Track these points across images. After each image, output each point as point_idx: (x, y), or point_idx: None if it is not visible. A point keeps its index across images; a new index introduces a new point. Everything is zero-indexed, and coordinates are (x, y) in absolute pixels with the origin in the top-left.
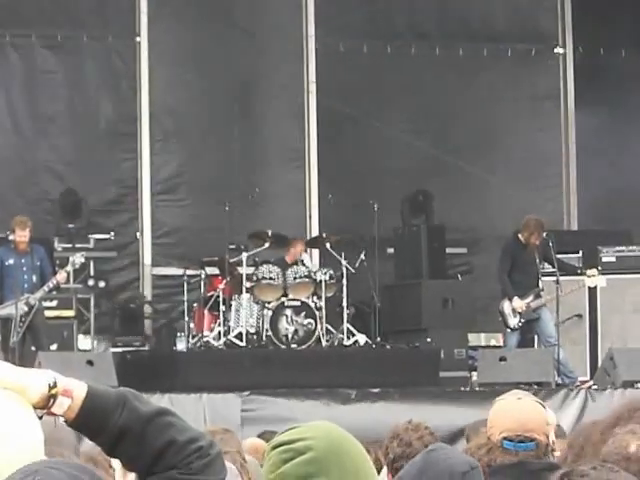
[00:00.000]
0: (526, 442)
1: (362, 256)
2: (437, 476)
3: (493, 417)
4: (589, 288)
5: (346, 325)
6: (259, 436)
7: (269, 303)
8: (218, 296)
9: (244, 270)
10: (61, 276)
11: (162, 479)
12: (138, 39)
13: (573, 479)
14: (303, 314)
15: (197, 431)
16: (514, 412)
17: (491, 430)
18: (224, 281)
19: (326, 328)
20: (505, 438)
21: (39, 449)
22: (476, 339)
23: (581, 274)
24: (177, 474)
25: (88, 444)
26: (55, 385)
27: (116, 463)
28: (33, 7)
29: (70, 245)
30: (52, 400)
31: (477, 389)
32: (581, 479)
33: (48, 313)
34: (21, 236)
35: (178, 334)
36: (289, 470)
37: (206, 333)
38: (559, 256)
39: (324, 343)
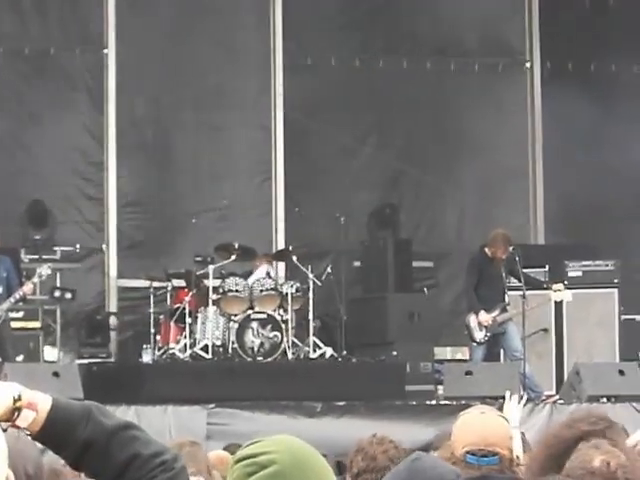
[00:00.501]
0: (489, 456)
1: (328, 269)
2: None
3: (456, 431)
4: (555, 302)
5: (312, 338)
6: (225, 449)
7: (235, 316)
8: (184, 308)
9: (210, 282)
10: (28, 287)
11: None
12: (105, 51)
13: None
14: (269, 327)
15: (161, 445)
16: (477, 426)
17: (454, 444)
18: (190, 293)
19: (292, 341)
20: (468, 452)
21: (2, 461)
22: (442, 353)
23: (547, 288)
24: None
25: (52, 456)
26: (20, 398)
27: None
28: (1, 19)
29: (36, 256)
30: (17, 413)
31: (443, 403)
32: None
33: (14, 324)
34: None
35: (144, 346)
36: None
37: (172, 345)
38: (525, 270)
39: (290, 356)
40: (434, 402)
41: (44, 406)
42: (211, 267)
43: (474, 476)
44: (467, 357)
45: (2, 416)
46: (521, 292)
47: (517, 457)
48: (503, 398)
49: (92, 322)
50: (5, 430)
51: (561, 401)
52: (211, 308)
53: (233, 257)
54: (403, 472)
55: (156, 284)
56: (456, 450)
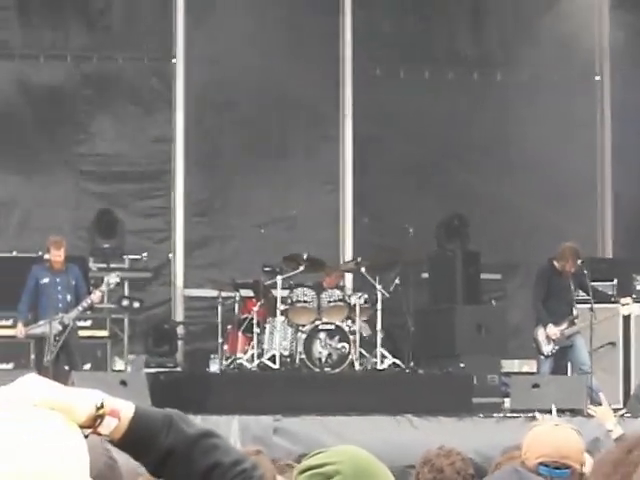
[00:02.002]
0: (561, 469)
1: (396, 280)
2: None
3: (530, 442)
4: (623, 316)
5: (379, 349)
6: (297, 461)
7: (303, 326)
8: (252, 318)
9: (279, 293)
10: (96, 296)
11: None
12: (174, 61)
13: None
14: (337, 338)
15: (241, 453)
16: (551, 438)
17: (526, 455)
18: (258, 303)
19: (359, 352)
20: (541, 464)
21: (84, 469)
22: (509, 365)
23: (615, 302)
24: None
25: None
26: (102, 406)
27: None
28: (68, 29)
29: (105, 265)
30: (99, 420)
31: (509, 415)
32: None
33: (82, 333)
34: (56, 255)
35: (211, 356)
36: None
37: (239, 355)
38: (594, 284)
39: (357, 367)
40: (501, 415)
41: (126, 413)
42: (279, 277)
43: None
44: (534, 370)
45: (85, 423)
46: (589, 305)
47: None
48: (571, 411)
49: (159, 331)
50: (86, 437)
51: (628, 415)
52: (279, 318)
53: (301, 268)
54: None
55: (224, 294)
56: (528, 460)
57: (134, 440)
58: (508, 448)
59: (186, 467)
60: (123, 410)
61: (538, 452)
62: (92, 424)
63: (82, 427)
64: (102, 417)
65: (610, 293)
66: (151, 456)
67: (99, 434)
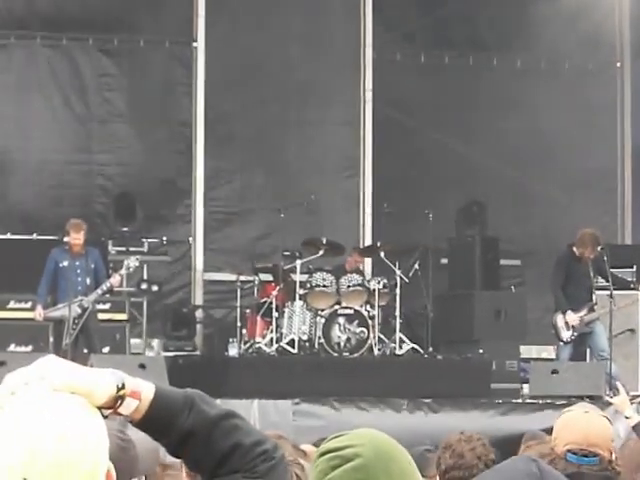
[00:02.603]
0: (590, 457)
1: (416, 265)
2: None
3: (559, 428)
4: None
5: (398, 334)
6: (314, 444)
7: (322, 311)
8: (271, 302)
9: (297, 277)
10: (115, 279)
11: None
12: (195, 44)
13: None
14: (356, 322)
15: (262, 434)
16: (580, 426)
17: (556, 441)
18: (277, 288)
19: (378, 337)
20: (569, 451)
21: (103, 453)
22: (528, 351)
23: (634, 289)
24: (241, 477)
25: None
26: (123, 386)
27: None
28: (90, 11)
29: (124, 249)
30: (120, 401)
31: (528, 401)
32: None
33: (101, 316)
34: (75, 239)
35: (230, 340)
36: (337, 477)
37: (258, 339)
38: (613, 270)
39: (376, 352)
40: (520, 400)
41: (147, 394)
42: (298, 262)
43: (571, 472)
44: (553, 356)
45: (105, 403)
46: (608, 292)
47: (616, 458)
48: (590, 397)
49: (178, 315)
50: (106, 417)
51: None
52: (298, 303)
53: (321, 252)
54: (532, 469)
55: (243, 278)
56: (557, 447)
57: (154, 421)
58: (532, 433)
59: (207, 448)
60: (144, 391)
61: (567, 439)
62: (113, 404)
63: (102, 407)
64: (123, 398)
65: (630, 279)
66: (171, 437)
67: (120, 414)
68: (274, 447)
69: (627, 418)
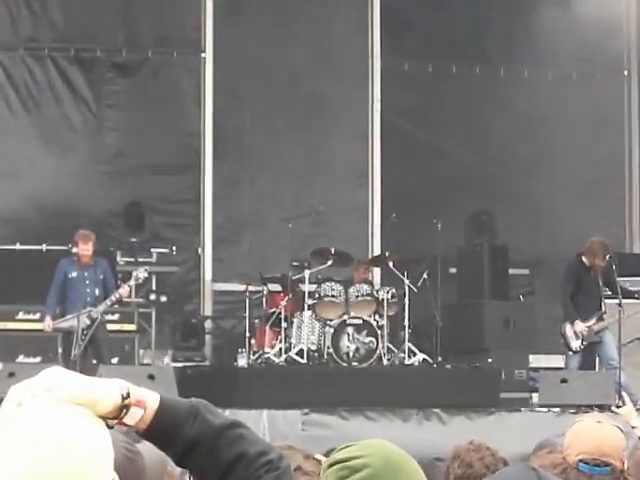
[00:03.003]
0: (602, 466)
1: (424, 275)
2: None
3: (571, 438)
4: None
5: (407, 344)
6: (325, 455)
7: (331, 321)
8: (280, 313)
9: (306, 287)
10: (124, 290)
11: None
12: (203, 55)
13: None
14: (365, 332)
15: (267, 443)
16: (593, 435)
17: (568, 451)
18: (286, 298)
19: (387, 347)
20: (581, 460)
21: (107, 464)
22: (537, 360)
23: (638, 298)
24: None
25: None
26: (128, 396)
27: None
28: (98, 23)
29: (132, 259)
30: (125, 410)
31: (538, 410)
32: None
33: (109, 327)
34: (84, 250)
35: (239, 350)
36: None
37: (267, 350)
38: (621, 279)
39: (385, 362)
40: (529, 410)
41: (152, 404)
42: (307, 272)
43: None
44: (562, 365)
45: (110, 413)
46: (617, 300)
47: (628, 468)
48: (599, 407)
49: (187, 325)
50: (112, 427)
51: None
52: (307, 313)
53: (329, 262)
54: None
55: (252, 288)
56: (569, 457)
57: (160, 430)
58: (544, 441)
59: (212, 457)
60: (149, 400)
61: (579, 449)
62: (118, 414)
63: (107, 417)
64: (128, 407)
65: (635, 290)
66: (177, 446)
67: (125, 424)
68: (279, 457)
69: (633, 428)
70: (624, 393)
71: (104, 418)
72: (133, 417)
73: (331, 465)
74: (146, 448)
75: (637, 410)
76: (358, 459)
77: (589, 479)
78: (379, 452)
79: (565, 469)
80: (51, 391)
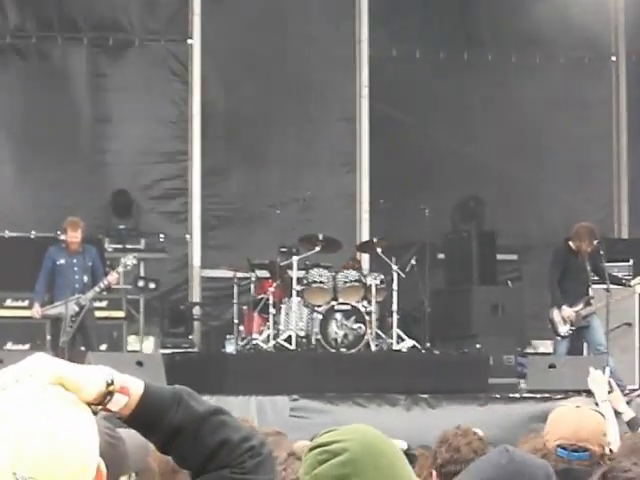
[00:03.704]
0: (580, 451)
1: (412, 261)
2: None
3: (550, 423)
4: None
5: (396, 330)
6: (311, 439)
7: (319, 307)
8: (268, 299)
9: (294, 273)
10: (113, 277)
11: (214, 478)
12: (190, 41)
13: (616, 475)
14: (353, 318)
15: (250, 430)
16: (570, 421)
17: (547, 436)
18: (274, 284)
19: (376, 333)
20: (559, 446)
21: (94, 449)
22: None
23: (625, 285)
24: (229, 473)
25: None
26: (112, 382)
27: None
28: (84, 10)
29: (120, 246)
30: (109, 397)
31: (526, 395)
32: (624, 474)
33: (98, 313)
34: (72, 237)
35: (227, 336)
36: (324, 471)
37: (255, 336)
38: (609, 264)
39: (373, 348)
40: (517, 395)
41: (136, 390)
42: (295, 258)
43: (559, 468)
44: (550, 350)
45: (94, 400)
46: (605, 286)
47: (610, 452)
48: (587, 392)
49: (175, 312)
50: (96, 414)
51: None
52: (295, 299)
53: (317, 248)
54: (501, 461)
55: (240, 274)
56: (548, 442)
57: (143, 417)
58: (534, 427)
59: (195, 444)
60: (133, 387)
61: (557, 434)
62: (102, 401)
63: (91, 404)
64: (112, 394)
65: (626, 274)
66: (160, 433)
67: (109, 410)
68: (261, 443)
69: (620, 414)
70: (611, 379)
71: (88, 404)
72: (117, 403)
73: (311, 449)
74: (127, 434)
75: (625, 396)
76: (338, 443)
77: (568, 464)
78: (359, 437)
79: (545, 455)
80: (35, 376)
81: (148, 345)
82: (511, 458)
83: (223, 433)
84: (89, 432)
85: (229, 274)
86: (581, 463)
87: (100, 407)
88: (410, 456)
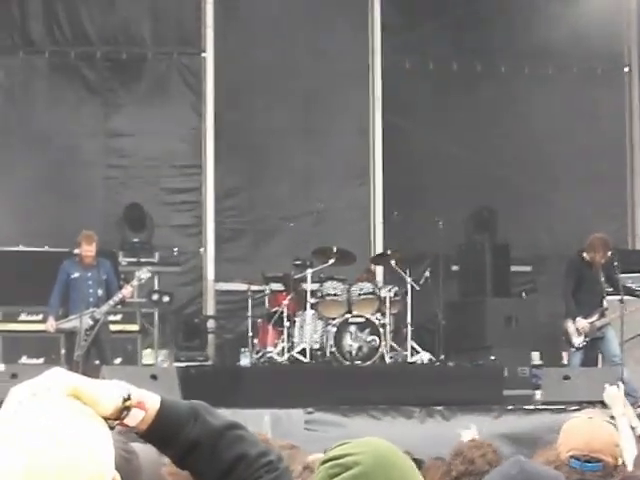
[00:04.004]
0: (592, 462)
1: (427, 273)
2: None
3: (563, 435)
4: None
5: (410, 342)
6: (326, 452)
7: (333, 319)
8: (282, 312)
9: (308, 286)
10: (127, 291)
11: None
12: (204, 55)
13: None
14: (367, 331)
15: (266, 445)
16: (583, 432)
17: (560, 448)
18: (288, 297)
19: (390, 345)
20: (572, 457)
21: (109, 462)
22: (540, 357)
23: (638, 296)
24: None
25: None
26: (129, 397)
27: None
28: (96, 25)
29: (135, 259)
30: (125, 412)
31: (541, 407)
32: None
33: (112, 327)
34: (87, 250)
35: (242, 349)
36: None
37: (270, 349)
38: (623, 275)
39: (388, 360)
40: (532, 407)
41: (153, 405)
42: (309, 271)
43: (573, 479)
44: (565, 362)
45: (111, 414)
46: (619, 297)
47: (623, 464)
48: (602, 403)
49: (190, 325)
50: (113, 428)
51: None
52: (309, 312)
53: (331, 261)
54: (511, 472)
55: (254, 287)
56: (561, 454)
57: (160, 432)
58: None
59: (212, 459)
60: (149, 402)
61: (570, 445)
62: (118, 416)
63: (108, 419)
64: (129, 409)
65: (637, 287)
66: (177, 448)
67: (126, 426)
68: (278, 458)
69: (633, 428)
70: (607, 388)
71: (105, 419)
72: (134, 418)
73: (324, 462)
74: (141, 448)
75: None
76: (350, 457)
77: (580, 475)
78: (371, 450)
79: (558, 466)
80: (52, 390)
81: (162, 358)
82: (522, 468)
83: (240, 448)
84: (104, 445)
85: (243, 287)
86: (594, 474)
87: (117, 422)
88: (418, 462)
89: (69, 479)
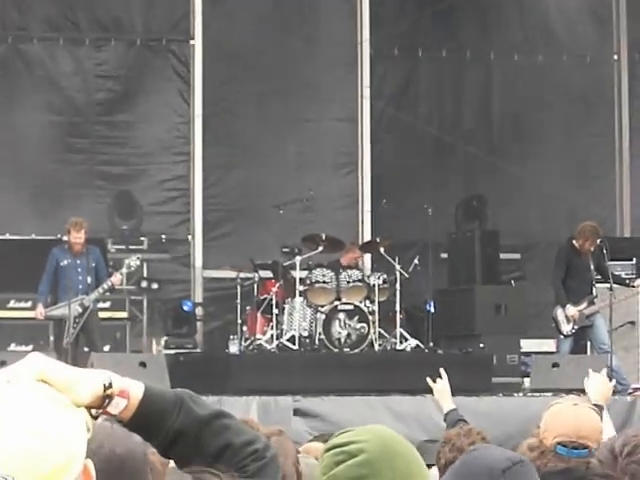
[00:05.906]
0: (579, 449)
1: (415, 261)
2: (474, 475)
3: (548, 421)
4: None
5: (399, 330)
6: (315, 439)
7: (322, 307)
8: (271, 299)
9: (297, 273)
10: (116, 278)
11: None
12: (192, 42)
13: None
14: (356, 318)
15: (253, 433)
16: (570, 418)
17: (545, 434)
18: (277, 284)
19: (379, 332)
20: (559, 443)
21: (76, 449)
22: (528, 345)
23: (628, 286)
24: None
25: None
26: (111, 385)
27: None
28: (85, 11)
29: (123, 246)
30: (107, 400)
31: (529, 395)
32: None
33: (101, 314)
34: (76, 238)
35: (231, 337)
36: (341, 472)
37: (259, 336)
38: (612, 263)
39: (377, 347)
40: (521, 394)
41: (136, 393)
42: (298, 258)
43: (560, 468)
44: (554, 349)
45: (93, 403)
46: (608, 285)
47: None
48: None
49: (179, 313)
50: (96, 417)
51: None
52: (298, 299)
53: (320, 248)
54: (456, 464)
55: (243, 275)
56: (546, 440)
57: (144, 420)
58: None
59: (197, 448)
60: (132, 390)
61: (556, 432)
62: (101, 404)
63: (91, 407)
64: (110, 397)
65: (630, 272)
66: (161, 437)
67: (108, 414)
68: (265, 446)
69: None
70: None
71: (89, 408)
72: (117, 407)
73: (328, 450)
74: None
75: (628, 394)
76: (355, 444)
77: (567, 462)
78: (376, 437)
79: (543, 452)
80: (21, 376)
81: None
82: (463, 461)
83: (225, 437)
84: (75, 434)
85: (232, 274)
86: (580, 461)
87: (100, 410)
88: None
89: (35, 467)
